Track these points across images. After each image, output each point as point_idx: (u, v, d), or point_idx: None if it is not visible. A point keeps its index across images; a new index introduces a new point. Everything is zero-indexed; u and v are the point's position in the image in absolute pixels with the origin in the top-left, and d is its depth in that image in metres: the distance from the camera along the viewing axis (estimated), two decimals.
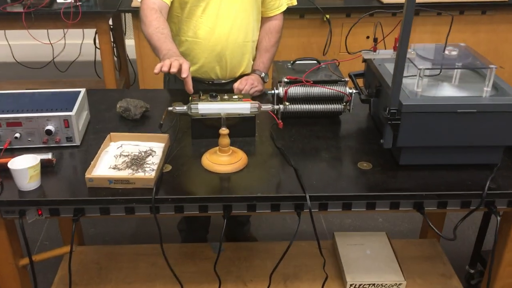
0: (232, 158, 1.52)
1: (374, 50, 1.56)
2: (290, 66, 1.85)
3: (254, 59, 2.06)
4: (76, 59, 3.89)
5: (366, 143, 1.65)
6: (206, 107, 1.47)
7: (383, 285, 1.97)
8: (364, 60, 1.78)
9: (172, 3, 1.84)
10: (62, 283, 2.00)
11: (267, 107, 1.49)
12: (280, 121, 1.51)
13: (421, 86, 1.49)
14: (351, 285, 1.97)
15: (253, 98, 1.95)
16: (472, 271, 2.30)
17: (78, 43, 3.78)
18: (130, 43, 3.72)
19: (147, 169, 1.49)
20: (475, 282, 2.31)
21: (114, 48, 3.53)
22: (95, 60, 3.67)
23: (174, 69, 1.45)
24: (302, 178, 1.46)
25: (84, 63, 3.90)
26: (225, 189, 1.45)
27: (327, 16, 3.16)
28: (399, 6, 3.01)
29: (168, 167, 1.51)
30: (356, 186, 1.45)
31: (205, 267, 2.10)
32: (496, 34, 3.37)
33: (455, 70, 1.58)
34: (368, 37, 3.27)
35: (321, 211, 1.49)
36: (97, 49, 3.41)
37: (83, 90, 1.72)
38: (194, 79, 2.01)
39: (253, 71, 2.04)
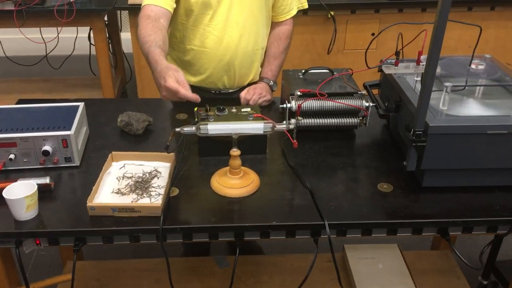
0: (243, 181, 1.42)
1: (396, 64, 1.45)
2: (301, 76, 1.74)
3: (262, 66, 1.95)
4: (70, 54, 3.74)
5: (384, 161, 1.56)
6: (216, 128, 1.36)
7: None
8: (380, 70, 1.68)
9: (176, 9, 1.72)
10: None
11: (281, 127, 1.39)
12: (295, 140, 1.40)
13: (446, 104, 1.39)
14: None
15: (261, 107, 1.84)
16: (485, 282, 2.23)
17: (72, 37, 3.63)
18: (125, 36, 3.58)
19: (152, 193, 1.39)
20: None
21: (110, 45, 3.39)
22: (90, 56, 3.54)
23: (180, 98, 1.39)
24: (319, 202, 1.36)
25: (79, 57, 3.75)
26: (237, 215, 1.35)
27: (332, 13, 3.04)
28: (405, 3, 2.91)
29: (175, 191, 1.41)
30: (377, 211, 1.36)
31: (210, 283, 2.01)
32: (506, 30, 3.26)
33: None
34: (373, 34, 3.16)
35: (338, 237, 1.40)
36: (91, 45, 3.27)
37: (81, 105, 1.61)
38: (200, 89, 1.90)
39: (261, 79, 1.93)
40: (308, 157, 1.58)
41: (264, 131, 1.37)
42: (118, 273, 2.05)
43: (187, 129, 1.36)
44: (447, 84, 1.37)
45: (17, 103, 1.87)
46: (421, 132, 1.31)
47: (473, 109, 1.42)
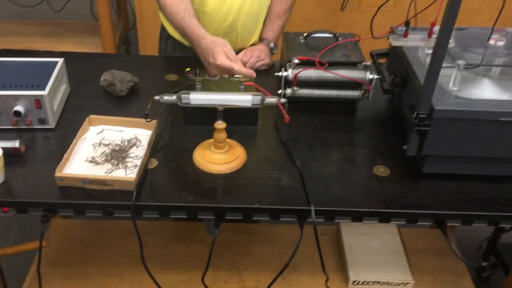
0: (228, 156, 1.31)
1: (405, 36, 1.29)
2: (302, 41, 1.59)
3: (263, 25, 1.79)
4: None
5: (384, 141, 1.43)
6: (199, 98, 1.23)
7: (389, 283, 1.81)
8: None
9: None
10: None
11: (272, 100, 1.26)
12: (287, 116, 1.28)
13: (457, 84, 1.24)
14: (354, 281, 1.81)
15: (258, 71, 1.71)
16: (485, 263, 2.14)
17: None
18: None
19: (129, 164, 1.29)
20: (487, 275, 2.16)
21: None
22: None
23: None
24: (308, 184, 1.25)
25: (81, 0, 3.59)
26: (218, 193, 1.25)
27: None
28: None
29: (154, 163, 1.31)
30: (370, 198, 1.25)
31: (198, 250, 1.95)
32: None
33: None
34: None
35: (326, 222, 1.30)
36: None
37: (60, 61, 1.48)
38: None
39: (261, 40, 1.77)
40: (302, 132, 1.45)
41: (252, 104, 1.24)
42: (104, 234, 1.99)
43: (167, 97, 1.24)
44: (459, 62, 1.22)
45: None
46: (425, 116, 1.18)
47: (486, 91, 1.27)
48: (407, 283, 1.81)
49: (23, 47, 3.04)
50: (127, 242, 1.98)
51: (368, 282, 1.81)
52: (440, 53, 1.09)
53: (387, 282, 1.81)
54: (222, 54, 1.34)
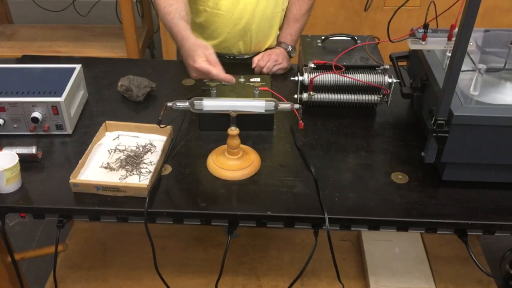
0: (242, 162, 1.29)
1: (424, 39, 1.25)
2: (320, 44, 1.56)
3: (280, 29, 1.77)
4: (98, 0, 3.62)
5: (403, 146, 1.39)
6: (211, 105, 1.22)
7: None
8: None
9: None
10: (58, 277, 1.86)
11: (285, 106, 1.24)
12: (302, 121, 1.26)
13: (478, 89, 1.20)
14: None
15: (276, 76, 1.69)
16: None
17: None
18: None
19: (143, 170, 1.29)
20: None
21: None
22: (116, 3, 3.40)
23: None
24: (323, 191, 1.23)
25: (107, 4, 3.63)
26: (231, 201, 1.24)
27: None
28: None
29: (168, 169, 1.30)
30: (387, 206, 1.21)
31: (216, 255, 1.94)
32: None
33: None
34: None
35: (342, 230, 1.27)
36: None
37: (78, 67, 1.50)
38: None
39: (279, 43, 1.75)
40: (318, 137, 1.43)
41: (265, 110, 1.23)
42: (124, 237, 2.00)
43: (180, 104, 1.23)
44: (480, 65, 1.17)
45: (21, 59, 1.78)
46: (443, 122, 1.14)
47: (509, 95, 1.22)
48: None
49: (50, 51, 3.10)
50: (147, 245, 1.95)
51: None
52: (458, 56, 1.05)
53: None
54: (202, 57, 1.30)
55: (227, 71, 1.38)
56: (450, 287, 1.83)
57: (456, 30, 1.22)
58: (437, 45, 1.26)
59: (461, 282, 1.84)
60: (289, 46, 1.73)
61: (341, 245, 1.98)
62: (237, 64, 1.77)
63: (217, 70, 1.29)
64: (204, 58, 1.30)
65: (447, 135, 1.15)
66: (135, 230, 2.06)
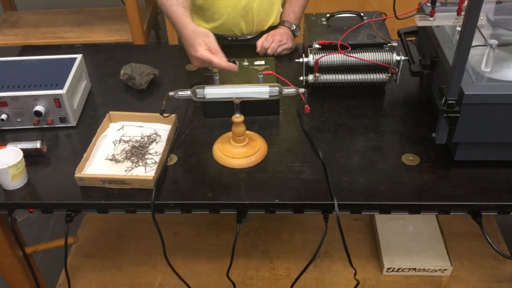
0: (248, 150, 1.27)
1: (432, 15, 1.20)
2: (325, 22, 1.51)
3: (283, 6, 1.72)
4: None
5: (414, 126, 1.35)
6: (214, 92, 1.20)
7: (426, 269, 1.75)
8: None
9: None
10: (73, 266, 1.86)
11: (290, 90, 1.20)
12: (307, 105, 1.23)
13: (490, 65, 1.15)
14: (388, 268, 1.76)
15: (280, 57, 1.65)
16: None
17: None
18: None
19: (148, 161, 1.27)
20: None
21: None
22: None
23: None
24: (332, 176, 1.21)
25: None
26: (239, 189, 1.22)
27: None
28: None
29: (174, 159, 1.29)
30: (398, 189, 1.19)
31: (229, 239, 1.93)
32: None
33: None
34: None
35: (353, 214, 1.25)
36: None
37: (79, 57, 1.47)
38: (215, 36, 1.71)
39: (282, 22, 1.71)
40: (326, 119, 1.40)
41: (270, 96, 1.19)
42: (137, 224, 2.01)
43: (182, 93, 1.20)
44: (492, 41, 1.12)
45: (22, 50, 1.77)
46: (454, 102, 1.10)
47: None
48: (445, 269, 1.74)
49: (55, 37, 3.08)
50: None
51: (404, 269, 1.75)
52: (468, 32, 1.00)
53: (424, 269, 1.75)
54: (202, 46, 1.28)
55: (230, 53, 1.35)
56: (466, 264, 1.80)
57: (465, 3, 1.17)
58: (445, 21, 1.21)
59: (477, 259, 1.82)
60: (293, 25, 1.68)
61: (354, 225, 1.96)
62: (239, 46, 1.73)
63: (219, 59, 1.26)
64: (205, 47, 1.27)
65: (458, 115, 1.11)
66: (147, 217, 2.03)
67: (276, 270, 1.82)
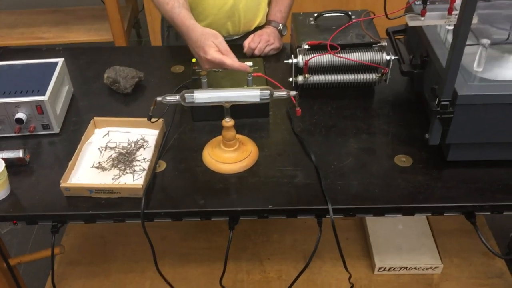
0: (239, 154, 1.24)
1: (423, 15, 1.19)
2: (312, 22, 1.49)
3: (269, 6, 1.69)
4: None
5: (405, 127, 1.34)
6: (203, 97, 1.16)
7: (417, 268, 1.75)
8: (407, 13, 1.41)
9: None
10: (58, 274, 1.81)
11: (281, 93, 1.18)
12: (299, 108, 1.20)
13: (482, 64, 1.14)
14: (380, 268, 1.75)
15: (268, 57, 1.62)
16: None
17: None
18: None
19: (136, 168, 1.24)
20: None
21: None
22: None
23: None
24: (325, 179, 1.19)
25: None
26: (231, 195, 1.19)
27: None
28: None
29: (162, 165, 1.25)
30: (392, 192, 1.17)
31: (218, 242, 1.90)
32: None
33: None
34: None
35: (346, 218, 1.23)
36: None
37: (60, 61, 1.42)
38: None
39: (268, 22, 1.68)
40: (316, 121, 1.38)
41: (260, 100, 1.17)
42: (123, 229, 1.96)
43: (170, 98, 1.17)
44: (484, 40, 1.11)
45: (1, 54, 1.70)
46: (447, 103, 1.09)
47: None
48: (435, 267, 1.74)
49: (33, 37, 3.00)
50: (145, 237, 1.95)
51: (395, 268, 1.75)
52: (462, 33, 0.99)
53: (415, 267, 1.75)
54: (213, 48, 1.25)
55: None
56: (456, 261, 1.81)
57: (457, 2, 1.16)
58: (436, 21, 1.19)
59: (466, 255, 1.82)
60: (280, 24, 1.65)
61: (343, 224, 1.95)
62: None
63: (231, 60, 1.24)
64: (215, 48, 1.24)
65: (451, 116, 1.10)
66: (134, 222, 2.02)
67: (267, 273, 1.80)
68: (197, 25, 1.31)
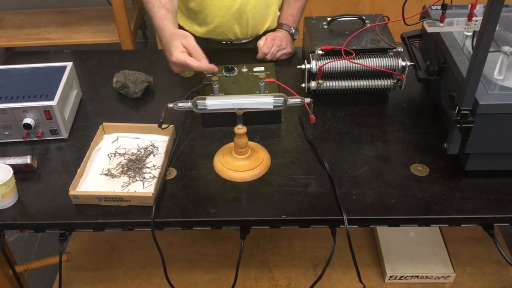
0: (251, 162, 1.21)
1: (442, 21, 1.15)
2: (326, 27, 1.46)
3: (280, 9, 1.66)
4: None
5: (421, 134, 1.31)
6: (216, 104, 1.14)
7: (428, 277, 1.72)
8: (423, 18, 1.38)
9: None
10: (64, 280, 1.78)
11: (295, 100, 1.15)
12: (313, 116, 1.17)
13: (503, 72, 1.11)
14: (391, 276, 1.72)
15: (279, 62, 1.60)
16: None
17: None
18: None
19: (146, 175, 1.21)
20: None
21: None
22: None
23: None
24: (339, 188, 1.16)
25: None
26: (242, 204, 1.16)
27: None
28: None
29: (173, 172, 1.22)
30: (408, 202, 1.14)
31: (226, 248, 1.88)
32: None
33: None
34: None
35: (360, 227, 1.20)
36: None
37: (69, 65, 1.40)
38: (208, 40, 1.65)
39: (280, 25, 1.65)
40: (330, 128, 1.35)
41: (274, 107, 1.14)
42: (130, 235, 1.94)
43: (182, 104, 1.14)
44: (506, 48, 1.08)
45: (8, 57, 1.68)
46: (467, 112, 1.05)
47: None
48: (448, 276, 1.71)
49: (39, 38, 2.98)
50: (152, 243, 1.92)
51: (406, 276, 1.72)
52: (485, 42, 0.96)
53: (426, 276, 1.71)
54: (178, 49, 1.19)
55: (224, 58, 1.28)
56: (469, 269, 1.77)
57: (477, 9, 1.13)
58: (456, 27, 1.16)
59: (479, 264, 1.79)
60: (292, 28, 1.63)
61: (353, 231, 1.87)
62: (234, 50, 1.67)
63: (197, 62, 1.18)
64: (181, 49, 1.18)
65: (471, 125, 1.07)
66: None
67: (275, 280, 1.77)
68: (169, 26, 1.25)
